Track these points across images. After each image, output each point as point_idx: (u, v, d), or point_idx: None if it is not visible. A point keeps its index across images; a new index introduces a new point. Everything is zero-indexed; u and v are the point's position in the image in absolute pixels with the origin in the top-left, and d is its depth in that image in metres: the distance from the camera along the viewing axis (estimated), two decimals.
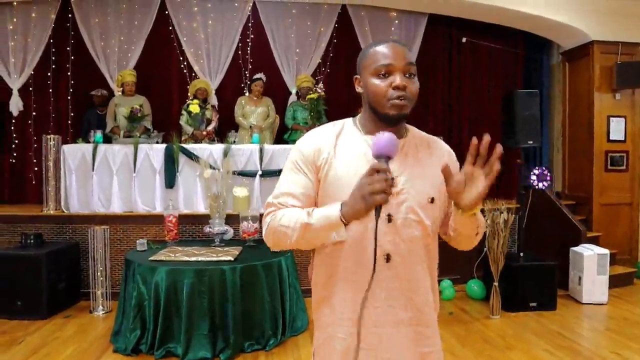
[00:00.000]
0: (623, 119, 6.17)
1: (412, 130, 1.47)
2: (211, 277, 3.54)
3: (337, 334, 1.38)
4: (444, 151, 1.47)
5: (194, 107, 5.55)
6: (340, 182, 1.35)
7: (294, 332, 4.01)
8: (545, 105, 7.03)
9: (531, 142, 4.96)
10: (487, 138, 1.21)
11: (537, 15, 5.97)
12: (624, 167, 6.19)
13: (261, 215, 4.45)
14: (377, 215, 1.20)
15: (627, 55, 6.08)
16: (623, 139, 6.18)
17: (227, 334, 3.55)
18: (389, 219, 1.32)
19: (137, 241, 4.29)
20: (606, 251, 5.04)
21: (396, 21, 6.67)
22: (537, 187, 5.19)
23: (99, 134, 5.19)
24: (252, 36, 6.50)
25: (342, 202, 1.26)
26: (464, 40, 6.56)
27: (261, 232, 4.50)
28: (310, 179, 1.40)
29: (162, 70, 6.48)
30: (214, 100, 6.30)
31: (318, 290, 1.45)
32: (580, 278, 5.01)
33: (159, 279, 3.55)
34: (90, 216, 5.01)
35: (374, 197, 1.16)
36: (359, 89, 1.42)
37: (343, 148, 1.39)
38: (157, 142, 5.32)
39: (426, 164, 1.41)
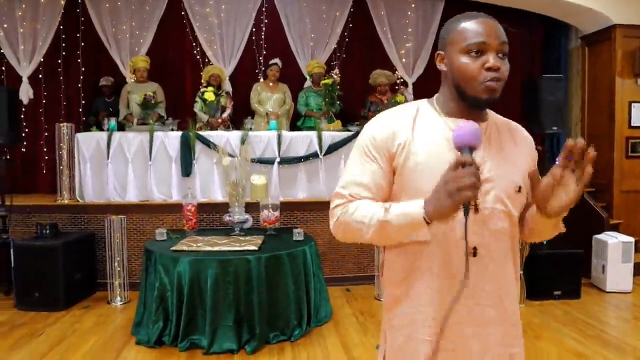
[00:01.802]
0: None
1: (492, 114, 1.34)
2: (236, 267, 3.46)
3: (419, 335, 1.26)
4: (526, 138, 1.36)
5: (209, 95, 5.43)
6: (421, 169, 1.22)
7: (318, 322, 3.94)
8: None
9: (555, 127, 4.86)
10: (581, 141, 1.10)
11: None
12: None
13: (280, 203, 4.37)
14: (466, 214, 1.10)
15: None
16: None
17: (253, 325, 3.47)
18: (476, 209, 1.20)
19: (156, 230, 4.20)
20: (631, 239, 4.95)
21: (413, 5, 6.53)
22: None
23: (113, 122, 5.09)
24: (266, 21, 6.38)
25: (424, 199, 1.15)
26: None
27: (283, 221, 4.46)
28: (382, 167, 1.27)
29: (175, 56, 6.37)
30: (227, 86, 6.19)
31: (393, 288, 1.33)
32: (604, 266, 4.93)
33: (182, 269, 3.47)
34: (105, 205, 4.92)
35: (462, 193, 1.05)
36: (441, 67, 1.29)
37: (421, 132, 1.26)
38: (172, 130, 5.21)
39: (510, 149, 1.29)
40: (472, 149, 1.10)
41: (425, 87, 6.66)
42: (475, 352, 1.24)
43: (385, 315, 1.37)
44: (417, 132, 1.26)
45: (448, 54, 1.26)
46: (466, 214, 1.10)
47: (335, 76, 5.95)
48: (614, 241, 4.90)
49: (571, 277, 4.71)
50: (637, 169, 6.08)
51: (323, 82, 5.87)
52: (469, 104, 1.24)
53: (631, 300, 4.72)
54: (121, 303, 4.47)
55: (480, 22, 1.21)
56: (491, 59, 1.19)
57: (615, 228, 5.53)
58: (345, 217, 1.27)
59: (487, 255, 1.23)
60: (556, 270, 4.66)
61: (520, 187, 1.26)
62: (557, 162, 1.15)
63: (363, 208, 1.24)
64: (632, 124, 6.05)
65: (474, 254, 1.21)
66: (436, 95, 1.34)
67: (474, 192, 1.05)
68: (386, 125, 1.29)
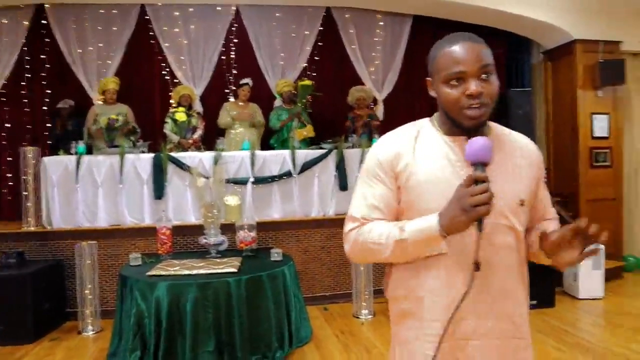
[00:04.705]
0: (606, 116, 6.25)
1: (495, 127, 1.36)
2: (216, 290, 3.38)
3: (424, 350, 1.27)
4: (531, 150, 1.38)
5: (180, 115, 5.37)
6: (422, 188, 1.26)
7: (299, 343, 3.88)
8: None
9: None
10: (595, 227, 1.14)
11: (521, 16, 6.01)
12: (608, 163, 6.28)
13: (257, 223, 4.30)
14: (480, 229, 1.13)
15: (607, 53, 6.17)
16: (607, 135, 6.26)
17: (234, 349, 3.39)
18: (479, 227, 1.21)
19: (130, 255, 4.08)
20: (601, 246, 5.02)
21: (381, 23, 6.64)
22: None
23: (81, 145, 4.95)
24: (235, 40, 6.36)
25: (438, 213, 1.17)
26: None
27: (258, 242, 4.41)
28: (390, 188, 1.30)
29: (144, 77, 6.28)
30: (198, 106, 6.13)
31: (399, 302, 1.35)
32: (575, 274, 5.03)
33: (160, 294, 3.36)
34: (74, 231, 4.76)
35: (477, 209, 1.09)
36: (431, 93, 1.31)
37: (423, 151, 1.29)
38: (143, 152, 5.10)
39: (514, 163, 1.31)
40: (484, 164, 1.13)
41: (395, 104, 6.75)
42: None
43: (393, 329, 1.38)
44: (418, 152, 1.29)
45: (434, 82, 1.28)
46: (479, 228, 1.13)
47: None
48: None
49: (545, 286, 4.78)
50: (601, 178, 6.26)
51: (301, 83, 5.89)
52: (460, 128, 1.27)
53: (603, 306, 4.84)
54: (93, 333, 4.31)
55: (459, 48, 1.22)
56: (472, 86, 1.20)
57: None
58: (361, 239, 1.29)
59: (491, 271, 1.24)
60: (531, 279, 4.70)
61: (523, 201, 1.28)
62: (571, 227, 1.18)
63: (378, 229, 1.27)
64: (595, 135, 6.24)
65: (477, 269, 1.20)
66: (436, 114, 1.36)
67: (487, 208, 1.09)
68: (390, 147, 1.32)
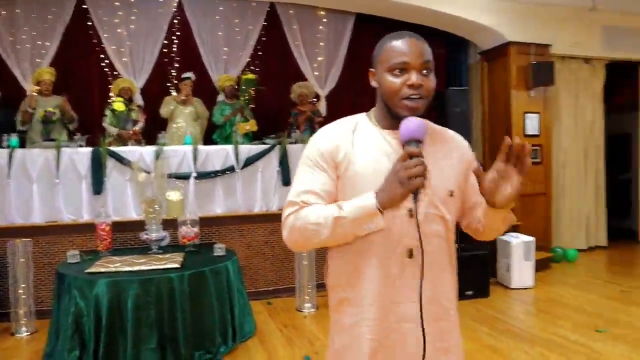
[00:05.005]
0: (537, 115, 6.62)
1: (428, 123, 1.44)
2: (158, 286, 3.34)
3: (363, 334, 1.34)
4: (459, 145, 1.46)
5: (119, 105, 5.24)
6: (358, 178, 1.32)
7: (243, 338, 3.89)
8: None
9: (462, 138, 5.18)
10: (517, 139, 1.23)
11: (458, 17, 6.25)
12: (539, 160, 6.64)
13: (199, 218, 4.26)
14: (416, 200, 1.21)
15: (538, 55, 6.53)
16: (538, 133, 6.62)
17: (177, 345, 3.36)
18: (410, 214, 1.29)
19: (68, 253, 3.95)
20: (532, 238, 5.37)
21: (324, 20, 6.73)
22: None
23: (14, 138, 4.73)
24: (178, 34, 6.26)
25: (375, 191, 1.25)
26: None
27: (201, 237, 4.37)
28: (330, 175, 1.36)
29: (82, 68, 6.05)
30: (139, 100, 5.98)
31: (338, 291, 1.41)
32: (508, 265, 5.30)
33: (100, 292, 3.29)
34: (7, 228, 4.55)
35: (412, 181, 1.18)
36: (373, 83, 1.39)
37: (360, 144, 1.36)
38: (81, 146, 4.94)
39: (444, 156, 1.39)
40: (418, 141, 1.22)
41: (337, 100, 6.85)
42: (413, 347, 1.32)
43: (332, 317, 1.43)
44: (356, 144, 1.36)
45: (377, 72, 1.36)
46: (416, 200, 1.21)
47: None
48: (516, 241, 5.29)
49: (480, 277, 5.01)
50: (532, 174, 6.59)
51: (245, 77, 5.89)
52: (396, 119, 1.33)
53: (534, 294, 5.13)
54: (27, 334, 4.13)
55: (404, 42, 1.31)
56: (413, 77, 1.29)
57: (516, 230, 5.96)
58: (299, 221, 1.33)
59: (423, 258, 1.31)
60: (467, 271, 4.93)
61: (452, 192, 1.37)
62: (498, 157, 1.26)
63: (316, 210, 1.31)
64: (527, 133, 6.59)
65: (410, 256, 1.29)
66: (373, 109, 1.43)
67: (422, 180, 1.18)
68: (331, 137, 1.38)
